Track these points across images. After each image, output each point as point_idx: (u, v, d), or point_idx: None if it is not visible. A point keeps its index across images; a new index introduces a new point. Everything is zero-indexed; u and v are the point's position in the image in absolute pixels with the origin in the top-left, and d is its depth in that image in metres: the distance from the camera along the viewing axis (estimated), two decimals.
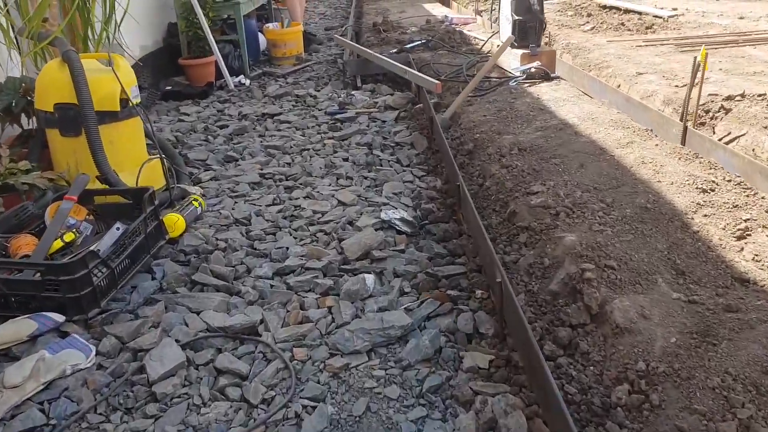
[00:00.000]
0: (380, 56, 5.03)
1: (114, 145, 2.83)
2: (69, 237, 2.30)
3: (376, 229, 2.68)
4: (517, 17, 4.64)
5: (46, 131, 2.84)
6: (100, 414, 1.69)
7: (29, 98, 2.94)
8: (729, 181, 2.47)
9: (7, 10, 2.97)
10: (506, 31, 4.89)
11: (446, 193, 3.04)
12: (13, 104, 2.91)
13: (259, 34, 6.24)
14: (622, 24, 6.55)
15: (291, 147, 3.83)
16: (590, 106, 3.75)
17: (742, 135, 3.09)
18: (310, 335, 1.99)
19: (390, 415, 1.64)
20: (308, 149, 3.78)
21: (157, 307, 2.14)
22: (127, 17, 3.48)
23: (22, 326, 1.96)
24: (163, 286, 2.30)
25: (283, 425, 1.62)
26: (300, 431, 1.60)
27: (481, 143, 3.36)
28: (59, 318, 2.00)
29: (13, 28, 2.99)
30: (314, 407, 1.68)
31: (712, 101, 3.53)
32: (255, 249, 2.58)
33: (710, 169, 2.60)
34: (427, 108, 4.07)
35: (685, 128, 3.22)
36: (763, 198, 2.32)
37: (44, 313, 2.00)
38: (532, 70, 4.52)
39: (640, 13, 6.93)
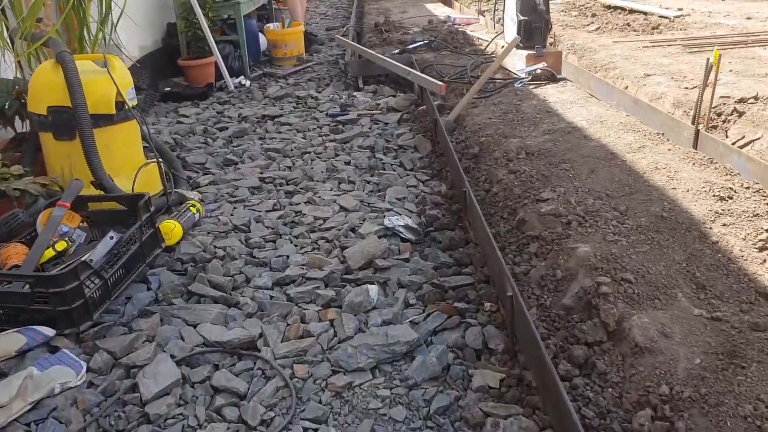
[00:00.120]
0: (382, 57, 4.94)
1: (109, 149, 2.74)
2: (61, 246, 2.22)
3: (379, 237, 2.59)
4: (522, 17, 4.55)
5: (40, 135, 2.76)
6: None
7: (22, 100, 2.86)
8: (747, 188, 2.38)
9: (1, 9, 2.89)
10: (511, 31, 4.80)
11: (451, 199, 2.95)
12: (6, 107, 2.83)
13: (260, 34, 6.16)
14: (628, 24, 6.46)
15: (292, 150, 3.74)
16: (598, 108, 3.66)
17: (756, 139, 2.99)
18: (311, 350, 1.90)
19: None
20: (309, 152, 3.69)
21: (152, 319, 2.05)
22: (124, 17, 3.40)
23: (10, 341, 1.87)
24: (158, 297, 2.21)
25: None
26: None
27: (487, 147, 3.27)
28: (49, 332, 1.91)
29: (6, 28, 2.90)
30: (316, 430, 1.59)
31: (724, 104, 3.44)
32: (254, 257, 2.49)
33: (726, 175, 2.51)
34: (430, 110, 3.98)
35: (697, 132, 3.13)
36: None
37: (34, 326, 1.91)
38: (538, 71, 4.42)
39: (645, 14, 6.84)
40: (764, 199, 2.25)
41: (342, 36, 6.53)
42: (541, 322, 1.83)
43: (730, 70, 4.18)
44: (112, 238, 2.11)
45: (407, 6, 9.43)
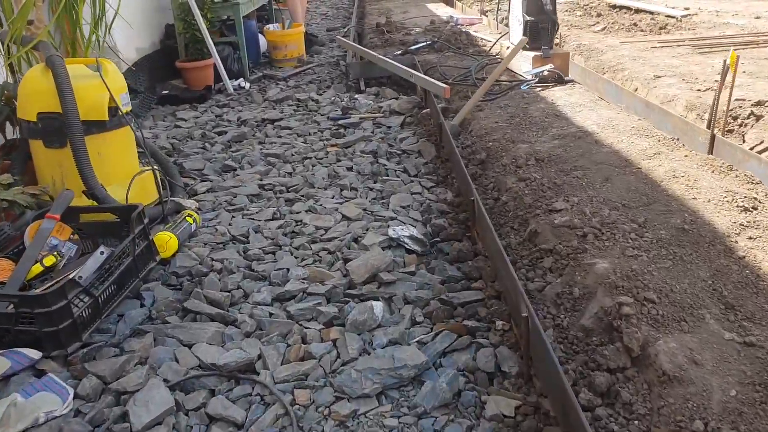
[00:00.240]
0: (384, 58, 4.83)
1: (102, 157, 2.63)
2: (49, 261, 2.11)
3: (383, 248, 2.48)
4: (528, 18, 4.43)
5: (30, 142, 2.64)
6: None
7: (12, 106, 2.75)
8: None
9: None
10: (517, 32, 4.68)
11: (458, 207, 2.84)
12: None
13: (259, 35, 6.05)
14: (635, 24, 6.33)
15: (292, 155, 3.63)
16: (608, 111, 3.54)
17: None
18: (313, 374, 1.79)
19: None
20: (310, 157, 3.58)
21: (145, 339, 1.94)
22: (119, 19, 3.29)
23: None
24: (152, 314, 2.10)
25: None
26: None
27: (494, 152, 3.16)
28: (35, 355, 1.80)
29: None
30: None
31: (740, 107, 3.32)
32: (253, 271, 2.38)
33: (748, 183, 2.39)
34: (434, 113, 3.87)
35: (713, 136, 3.01)
36: None
37: (18, 349, 1.80)
38: (545, 73, 4.30)
39: (651, 13, 6.72)
40: None
41: (343, 37, 6.42)
42: (558, 344, 1.72)
43: (744, 72, 4.06)
44: (102, 253, 2.00)
45: (408, 6, 9.31)
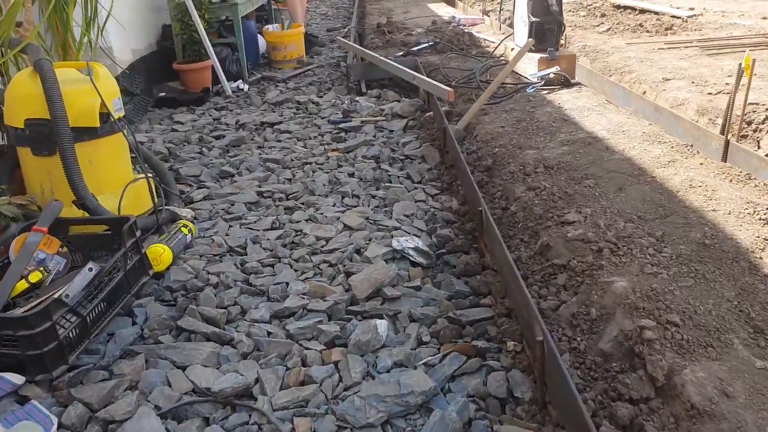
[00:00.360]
0: (386, 60, 4.72)
1: (93, 165, 2.53)
2: (35, 277, 2.00)
3: (387, 260, 2.38)
4: (534, 19, 4.32)
5: (18, 149, 2.53)
6: None
7: None
8: None
9: None
10: (521, 33, 4.57)
11: (464, 216, 2.73)
12: None
13: (259, 36, 5.94)
14: (640, 25, 6.23)
15: (292, 160, 3.52)
16: (618, 116, 3.44)
17: None
18: (313, 400, 1.68)
19: None
20: (310, 163, 3.48)
21: (136, 361, 1.83)
22: (112, 20, 3.18)
23: None
24: (144, 333, 1.99)
25: None
26: None
27: (501, 158, 3.05)
28: (18, 380, 1.70)
29: None
30: None
31: (754, 111, 3.21)
32: (251, 285, 2.27)
33: None
34: (438, 117, 3.76)
35: (727, 142, 2.90)
36: None
37: (0, 373, 1.69)
38: (551, 75, 4.20)
39: (657, 13, 6.61)
40: None
41: (343, 37, 6.31)
42: (575, 369, 1.61)
43: (755, 74, 3.94)
44: (91, 269, 1.89)
45: (409, 5, 9.21)
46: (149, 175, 2.65)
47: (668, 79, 4.17)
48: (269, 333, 1.98)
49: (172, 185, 2.99)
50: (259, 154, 3.64)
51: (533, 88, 4.13)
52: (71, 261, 2.25)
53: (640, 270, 1.83)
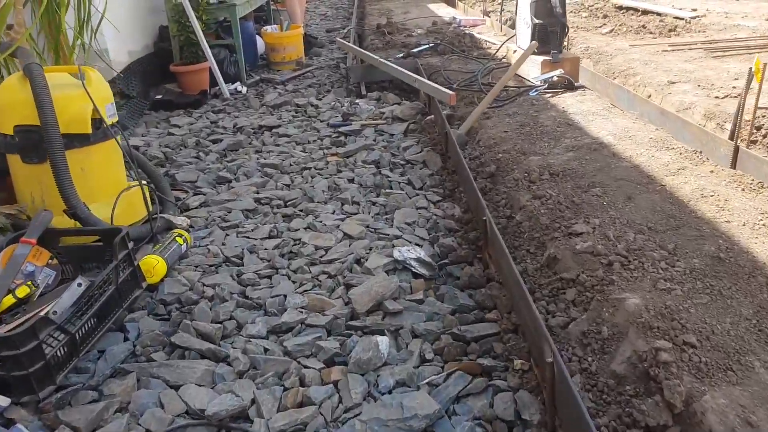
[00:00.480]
0: (387, 62, 4.64)
1: (85, 172, 2.45)
2: (22, 292, 1.93)
3: (388, 272, 2.30)
4: (537, 21, 4.25)
5: (7, 157, 2.46)
6: None
7: None
8: None
9: None
10: (524, 35, 4.50)
11: (467, 224, 2.66)
12: None
13: (257, 37, 5.86)
14: (643, 26, 6.15)
15: (290, 165, 3.45)
16: (623, 120, 3.36)
17: None
18: (312, 423, 1.61)
19: None
20: (309, 168, 3.40)
21: (127, 380, 1.76)
22: (106, 23, 3.10)
23: None
24: (136, 350, 1.91)
25: None
26: None
27: (505, 165, 2.98)
28: (3, 402, 1.62)
29: None
30: None
31: (763, 116, 3.14)
32: (247, 298, 2.20)
33: None
34: (439, 121, 3.69)
35: (737, 148, 2.83)
36: None
37: None
38: (555, 78, 4.12)
39: (659, 15, 6.54)
40: None
41: (343, 38, 6.23)
42: (586, 392, 1.54)
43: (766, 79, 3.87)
44: (80, 285, 1.81)
45: (409, 6, 9.12)
46: (143, 182, 2.58)
47: (673, 82, 4.10)
48: (266, 350, 1.91)
49: (167, 192, 2.91)
50: (257, 158, 3.57)
51: (536, 91, 4.06)
52: (61, 273, 2.17)
53: (653, 285, 1.75)
